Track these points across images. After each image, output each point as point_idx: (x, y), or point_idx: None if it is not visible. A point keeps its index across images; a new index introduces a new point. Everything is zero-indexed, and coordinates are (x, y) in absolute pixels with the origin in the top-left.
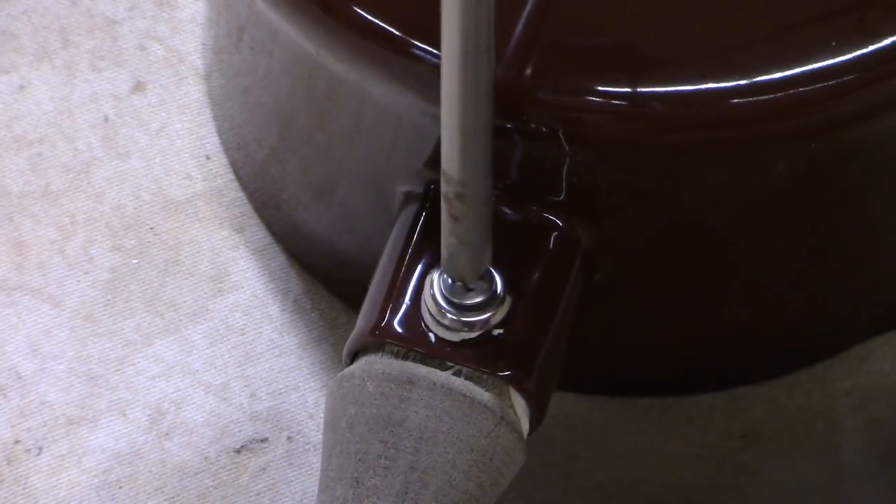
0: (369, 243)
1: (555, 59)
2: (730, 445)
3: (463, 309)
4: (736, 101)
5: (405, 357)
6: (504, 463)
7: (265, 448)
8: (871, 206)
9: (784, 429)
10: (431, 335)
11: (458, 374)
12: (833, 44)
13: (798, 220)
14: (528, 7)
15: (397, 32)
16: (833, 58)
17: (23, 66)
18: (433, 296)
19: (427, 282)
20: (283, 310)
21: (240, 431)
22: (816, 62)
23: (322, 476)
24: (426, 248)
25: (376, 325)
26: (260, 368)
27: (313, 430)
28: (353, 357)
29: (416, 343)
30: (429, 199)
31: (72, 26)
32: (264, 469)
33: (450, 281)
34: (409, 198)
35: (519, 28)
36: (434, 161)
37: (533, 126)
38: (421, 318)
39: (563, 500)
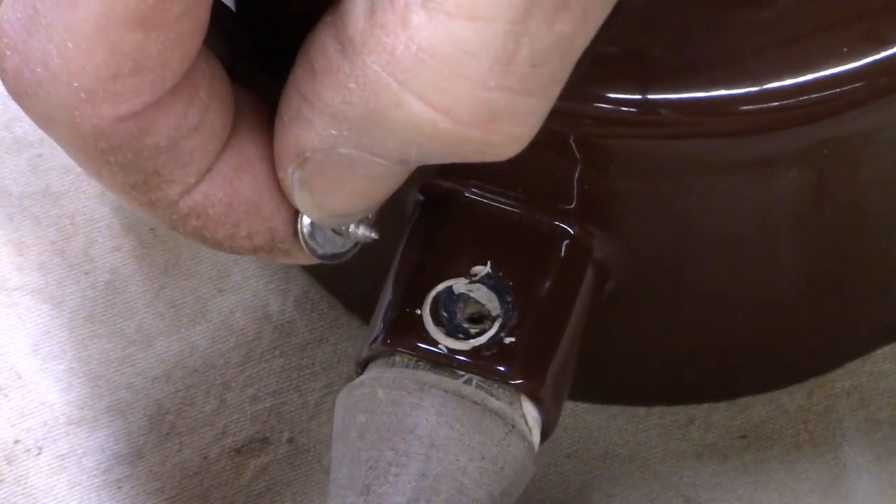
0: (371, 248)
1: None
2: (730, 445)
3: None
4: (747, 107)
5: (416, 366)
6: (515, 472)
7: (265, 448)
8: (881, 213)
9: (784, 429)
10: (443, 345)
11: (469, 382)
12: (845, 49)
13: (809, 228)
14: None
15: None
16: (845, 64)
17: None
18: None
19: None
20: (283, 310)
21: (240, 431)
22: (828, 69)
23: (332, 484)
24: (438, 257)
25: (388, 334)
26: (260, 368)
27: (314, 431)
28: (365, 366)
29: (427, 352)
30: (440, 208)
31: None
32: (264, 469)
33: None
34: (421, 206)
35: None
36: (446, 167)
37: (542, 133)
38: (432, 327)
39: (563, 500)
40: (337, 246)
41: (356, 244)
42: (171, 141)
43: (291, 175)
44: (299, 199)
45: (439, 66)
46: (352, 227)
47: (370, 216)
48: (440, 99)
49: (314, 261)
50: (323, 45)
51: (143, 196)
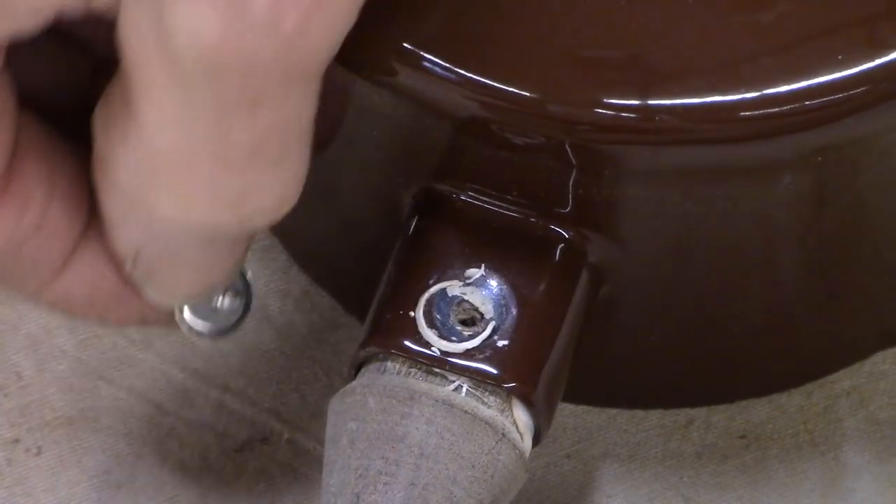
0: (369, 250)
1: (561, 70)
2: (730, 445)
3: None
4: (746, 113)
5: (409, 370)
6: (505, 480)
7: (265, 448)
8: (881, 218)
9: (784, 429)
10: (435, 347)
11: (459, 389)
12: (845, 54)
13: (809, 233)
14: (535, 18)
15: (406, 45)
16: (846, 69)
17: None
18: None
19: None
20: (283, 310)
21: (240, 431)
22: (828, 74)
23: (323, 491)
24: (432, 260)
25: (380, 337)
26: (260, 368)
27: (314, 431)
28: (358, 368)
29: (420, 355)
30: (434, 211)
31: None
32: (264, 469)
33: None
34: (417, 209)
35: (525, 39)
36: (442, 171)
37: (539, 138)
38: (425, 329)
39: (563, 500)
40: (220, 320)
41: (242, 314)
42: (9, 246)
43: (132, 273)
44: (148, 293)
45: (173, 168)
46: (219, 302)
47: (235, 286)
48: (185, 193)
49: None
50: (91, 163)
51: (7, 285)
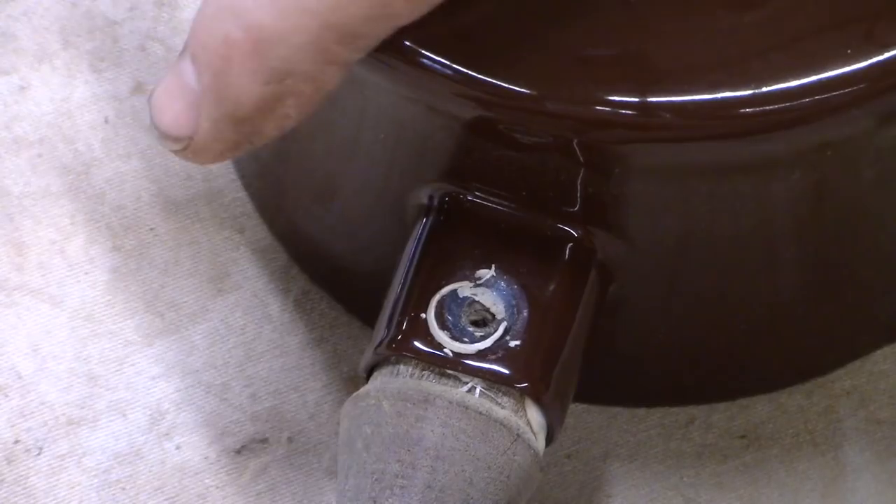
0: (372, 250)
1: (569, 68)
2: (730, 445)
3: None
4: (748, 110)
5: (422, 372)
6: (521, 480)
7: (265, 448)
8: (882, 214)
9: (784, 429)
10: (448, 349)
11: (472, 390)
12: (846, 51)
13: (810, 229)
14: (541, 17)
15: (409, 44)
16: (846, 66)
17: (23, 67)
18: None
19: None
20: (283, 310)
21: (240, 431)
22: (828, 71)
23: (338, 497)
24: (442, 261)
25: (392, 339)
26: (260, 368)
27: (314, 431)
28: (370, 371)
29: (432, 357)
30: (443, 212)
31: (72, 27)
32: (264, 469)
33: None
34: (425, 210)
35: (532, 37)
36: (450, 172)
37: (547, 137)
38: (437, 331)
39: (563, 500)
40: None
41: None
42: None
43: None
44: None
45: None
46: None
47: None
48: None
49: None
50: None
51: None
